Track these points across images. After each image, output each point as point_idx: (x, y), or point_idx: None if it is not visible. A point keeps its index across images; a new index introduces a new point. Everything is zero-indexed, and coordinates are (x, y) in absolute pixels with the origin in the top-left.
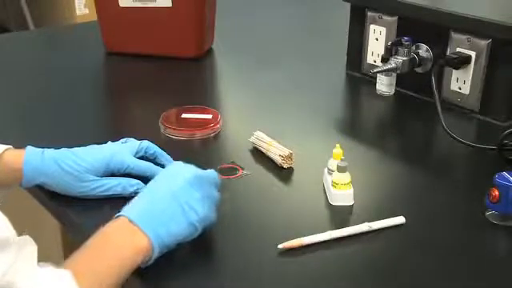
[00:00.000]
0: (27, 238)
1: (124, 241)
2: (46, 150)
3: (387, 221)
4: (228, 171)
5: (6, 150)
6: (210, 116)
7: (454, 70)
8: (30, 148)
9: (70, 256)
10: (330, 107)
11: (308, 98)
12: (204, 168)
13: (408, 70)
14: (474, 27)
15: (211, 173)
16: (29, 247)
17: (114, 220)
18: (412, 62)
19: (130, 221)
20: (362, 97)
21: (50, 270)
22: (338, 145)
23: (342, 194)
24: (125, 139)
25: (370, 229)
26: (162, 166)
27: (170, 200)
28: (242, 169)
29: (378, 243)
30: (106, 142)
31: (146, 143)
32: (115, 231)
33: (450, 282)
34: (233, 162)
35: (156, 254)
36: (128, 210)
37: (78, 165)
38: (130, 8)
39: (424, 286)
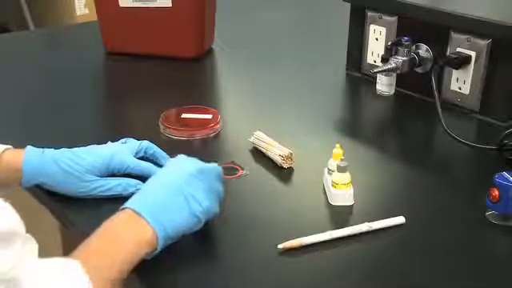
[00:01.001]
0: (28, 237)
1: (129, 233)
2: (45, 149)
3: (387, 221)
4: (228, 171)
5: (6, 149)
6: (209, 116)
7: (454, 70)
8: (29, 148)
9: (75, 249)
10: (330, 107)
11: (308, 98)
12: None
13: (408, 70)
14: (473, 27)
15: (215, 166)
16: (29, 246)
17: (119, 212)
18: (412, 62)
19: (136, 213)
20: (362, 97)
21: (54, 261)
22: (337, 145)
23: (342, 193)
24: (125, 139)
25: (370, 229)
26: (162, 167)
27: (175, 192)
28: (242, 169)
29: (377, 243)
30: (106, 142)
31: (145, 143)
32: (120, 223)
33: (450, 282)
34: (233, 162)
35: (161, 246)
36: (133, 202)
37: (78, 165)
38: (130, 8)
39: (424, 286)
